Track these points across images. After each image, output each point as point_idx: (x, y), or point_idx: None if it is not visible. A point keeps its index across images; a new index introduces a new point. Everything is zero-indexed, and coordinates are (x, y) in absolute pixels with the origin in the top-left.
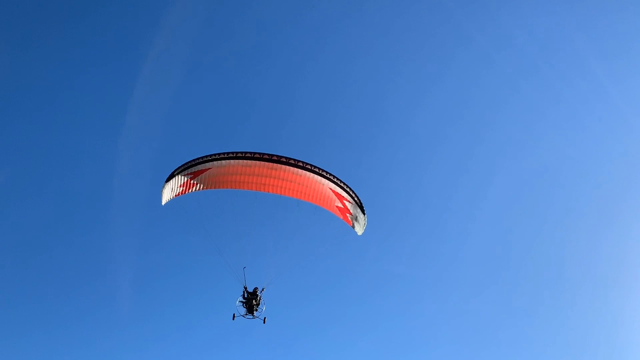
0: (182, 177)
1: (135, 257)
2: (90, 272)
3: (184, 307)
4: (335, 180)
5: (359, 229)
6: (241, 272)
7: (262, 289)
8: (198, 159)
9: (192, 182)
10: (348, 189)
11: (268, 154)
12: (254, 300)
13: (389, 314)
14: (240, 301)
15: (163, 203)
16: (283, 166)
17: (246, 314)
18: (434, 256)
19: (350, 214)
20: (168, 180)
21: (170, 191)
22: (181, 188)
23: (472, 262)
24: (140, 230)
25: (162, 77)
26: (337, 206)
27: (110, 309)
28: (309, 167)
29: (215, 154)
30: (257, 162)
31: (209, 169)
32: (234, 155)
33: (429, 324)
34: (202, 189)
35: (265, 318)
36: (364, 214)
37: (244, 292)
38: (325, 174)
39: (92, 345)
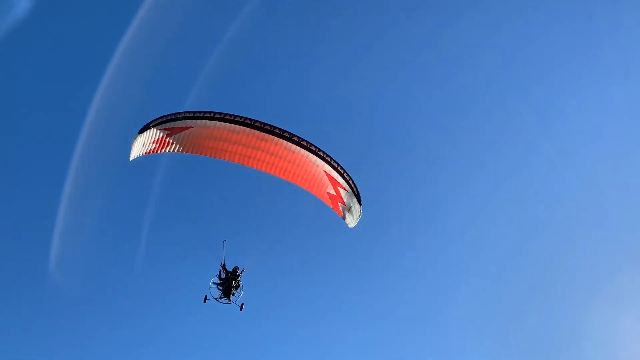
0: (158, 131)
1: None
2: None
3: (144, 286)
4: (332, 162)
5: (352, 221)
6: (220, 246)
7: (243, 270)
8: (178, 113)
9: (168, 139)
10: (345, 175)
11: (260, 122)
12: (233, 282)
13: (385, 305)
14: (214, 282)
15: (131, 158)
16: (275, 138)
17: (221, 297)
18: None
19: (344, 203)
20: (141, 132)
21: (141, 146)
22: (154, 145)
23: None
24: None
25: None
26: (328, 193)
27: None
28: (305, 144)
29: (198, 112)
30: (246, 129)
31: (190, 127)
32: (221, 116)
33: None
34: (179, 150)
35: (242, 304)
36: (360, 204)
37: (221, 270)
38: (321, 154)
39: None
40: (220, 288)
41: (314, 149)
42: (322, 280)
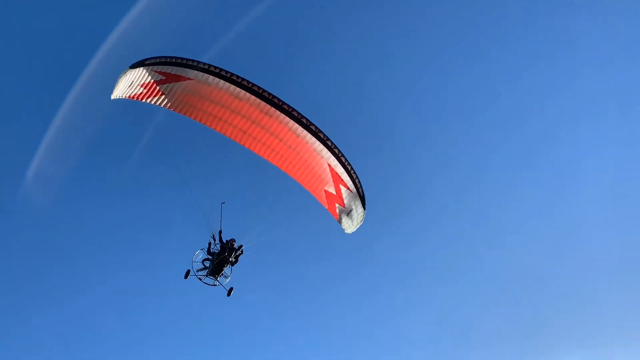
0: (152, 73)
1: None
2: None
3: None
4: (340, 155)
5: (350, 227)
6: (215, 211)
7: (241, 248)
8: (181, 58)
9: (159, 88)
10: (352, 172)
11: (269, 93)
12: (227, 256)
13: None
14: (204, 258)
15: (113, 96)
16: (281, 115)
17: (207, 276)
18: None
19: (343, 205)
20: (133, 67)
21: (127, 85)
22: (142, 90)
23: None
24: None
25: None
26: (326, 190)
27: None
28: (313, 129)
29: (204, 63)
30: (251, 96)
31: (188, 79)
32: (227, 75)
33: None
34: (167, 106)
35: (231, 289)
36: (364, 208)
37: (212, 240)
38: (330, 144)
39: None
40: (207, 265)
41: (322, 136)
42: (321, 272)
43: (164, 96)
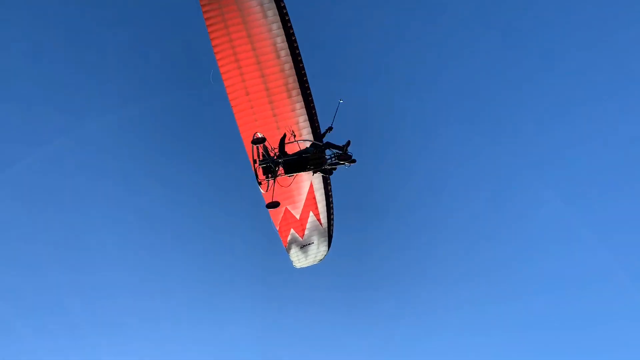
0: None
1: None
2: None
3: None
4: (328, 182)
5: (301, 262)
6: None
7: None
8: None
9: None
10: (332, 204)
11: (303, 65)
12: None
13: None
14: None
15: None
16: (299, 99)
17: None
18: None
19: (301, 235)
20: None
21: None
22: None
23: None
24: None
25: None
26: (288, 210)
27: None
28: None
29: None
30: (288, 58)
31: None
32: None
33: None
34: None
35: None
36: (329, 248)
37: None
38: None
39: None
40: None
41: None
42: None
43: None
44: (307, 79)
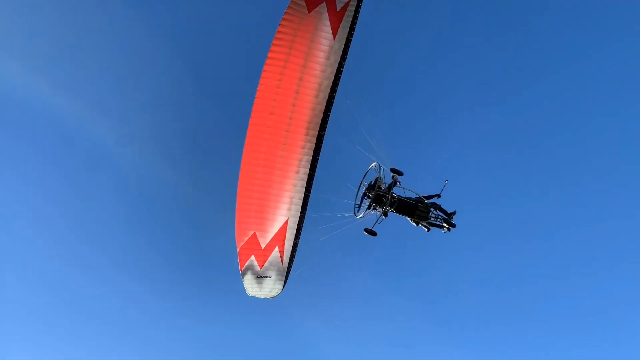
0: None
1: None
2: None
3: None
4: (301, 221)
5: (254, 291)
6: None
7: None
8: None
9: None
10: (296, 247)
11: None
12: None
13: None
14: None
15: None
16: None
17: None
18: None
19: (260, 265)
20: None
21: None
22: None
23: None
24: None
25: None
26: (257, 235)
27: None
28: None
29: None
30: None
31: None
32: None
33: None
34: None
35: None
36: (283, 287)
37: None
38: (306, 199)
39: None
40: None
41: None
42: None
43: None
44: (326, 126)
